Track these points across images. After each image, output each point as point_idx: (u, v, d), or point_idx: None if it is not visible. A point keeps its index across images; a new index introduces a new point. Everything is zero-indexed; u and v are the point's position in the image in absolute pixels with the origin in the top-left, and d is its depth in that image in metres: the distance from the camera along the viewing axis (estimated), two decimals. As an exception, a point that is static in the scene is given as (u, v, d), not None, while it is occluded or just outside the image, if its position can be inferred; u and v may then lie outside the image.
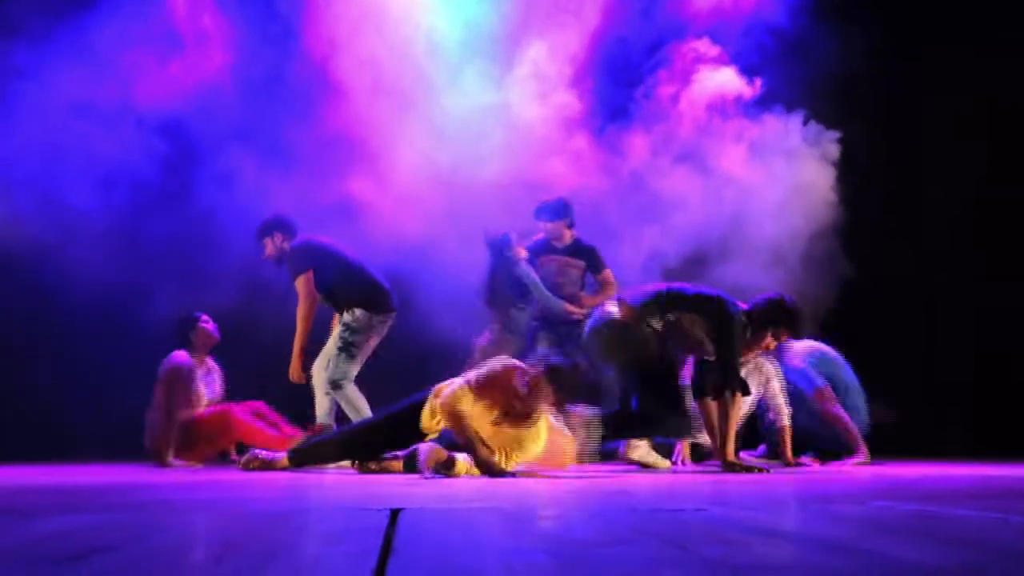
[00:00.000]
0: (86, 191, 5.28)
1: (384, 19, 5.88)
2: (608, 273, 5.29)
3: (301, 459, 3.79)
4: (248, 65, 5.60)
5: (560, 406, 3.63)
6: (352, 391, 4.68)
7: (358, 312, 4.70)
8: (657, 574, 1.05)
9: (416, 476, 3.34)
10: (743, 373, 4.00)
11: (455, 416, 3.39)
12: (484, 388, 3.45)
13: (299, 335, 4.70)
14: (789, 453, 4.47)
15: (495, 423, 3.47)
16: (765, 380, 4.60)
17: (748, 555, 1.20)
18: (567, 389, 3.47)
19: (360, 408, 4.66)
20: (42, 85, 5.35)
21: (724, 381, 3.82)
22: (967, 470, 3.99)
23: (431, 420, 3.61)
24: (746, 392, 3.97)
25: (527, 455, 3.54)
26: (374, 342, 4.79)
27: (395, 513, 1.69)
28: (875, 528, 1.62)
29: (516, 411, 3.46)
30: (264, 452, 3.81)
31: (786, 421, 4.52)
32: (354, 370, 4.70)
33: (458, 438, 3.40)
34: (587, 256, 5.30)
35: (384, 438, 3.71)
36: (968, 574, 1.07)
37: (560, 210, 5.21)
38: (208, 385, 4.96)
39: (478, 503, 2.08)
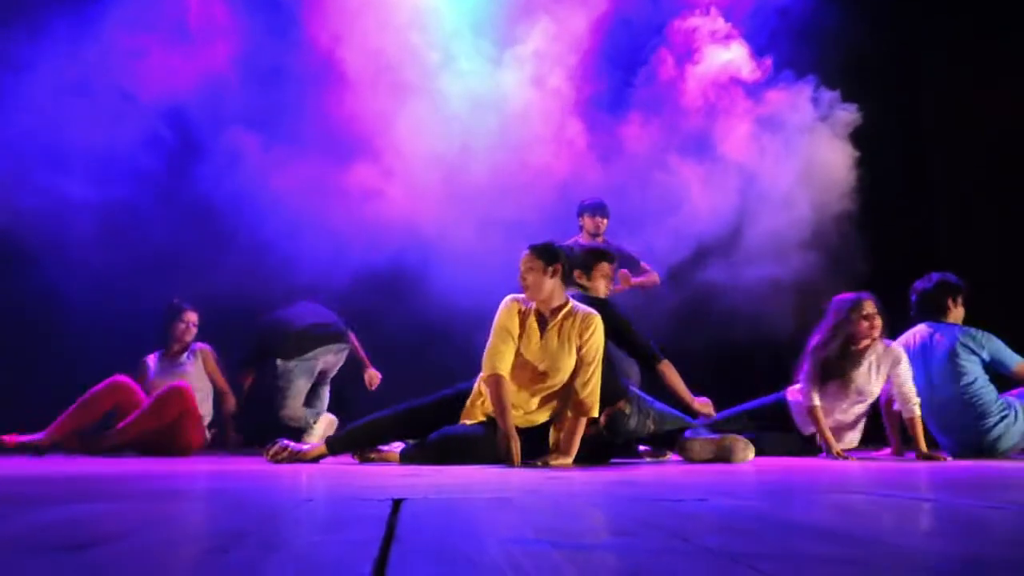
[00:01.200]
0: (87, 181, 5.28)
1: (388, 4, 5.86)
2: (644, 265, 5.49)
3: (340, 447, 3.67)
4: (252, 54, 5.59)
5: (566, 278, 3.67)
6: (301, 418, 5.03)
7: (277, 361, 5.10)
8: (660, 564, 1.05)
9: (417, 467, 3.35)
10: (867, 364, 4.23)
11: (490, 381, 3.47)
12: (500, 330, 3.53)
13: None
14: (922, 443, 4.09)
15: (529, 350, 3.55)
16: (891, 366, 4.28)
17: (750, 544, 1.21)
18: (557, 260, 3.58)
19: (307, 419, 5.01)
20: (42, 74, 5.34)
21: (642, 358, 4.05)
22: (969, 463, 3.99)
23: (477, 400, 3.61)
24: (656, 355, 4.08)
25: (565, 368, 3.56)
26: (304, 383, 5.10)
27: (398, 503, 1.69)
28: (877, 517, 1.62)
29: (542, 314, 3.59)
30: (293, 443, 3.63)
31: (916, 412, 4.15)
32: (292, 405, 5.04)
33: (492, 403, 3.45)
34: (621, 258, 5.45)
35: (432, 420, 3.63)
36: (967, 562, 1.07)
37: (601, 208, 5.47)
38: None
39: (481, 493, 2.08)
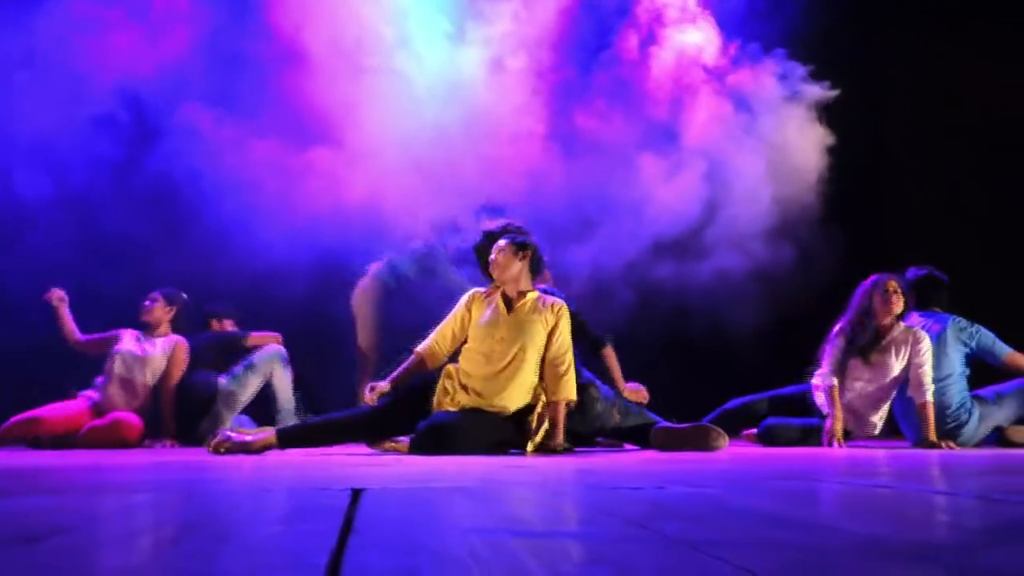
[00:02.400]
0: (40, 166, 5.14)
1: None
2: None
3: (291, 441, 3.54)
4: (214, 38, 5.47)
5: (534, 271, 3.77)
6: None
7: None
8: (618, 552, 1.05)
9: (379, 456, 3.34)
10: (888, 344, 4.24)
11: (415, 353, 3.72)
12: (450, 316, 3.74)
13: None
14: (931, 432, 4.11)
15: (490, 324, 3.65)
16: (912, 346, 4.24)
17: (707, 531, 1.21)
18: (526, 248, 3.72)
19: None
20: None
21: (591, 341, 4.20)
22: (926, 452, 4.05)
23: (444, 397, 3.60)
24: (602, 339, 4.23)
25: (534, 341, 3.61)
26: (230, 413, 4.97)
27: (356, 493, 1.67)
28: (830, 504, 1.64)
29: (509, 296, 3.71)
30: (236, 435, 3.43)
31: (928, 397, 4.15)
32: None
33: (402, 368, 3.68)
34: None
35: (391, 420, 3.61)
36: (919, 548, 1.09)
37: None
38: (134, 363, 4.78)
39: (441, 483, 2.07)
